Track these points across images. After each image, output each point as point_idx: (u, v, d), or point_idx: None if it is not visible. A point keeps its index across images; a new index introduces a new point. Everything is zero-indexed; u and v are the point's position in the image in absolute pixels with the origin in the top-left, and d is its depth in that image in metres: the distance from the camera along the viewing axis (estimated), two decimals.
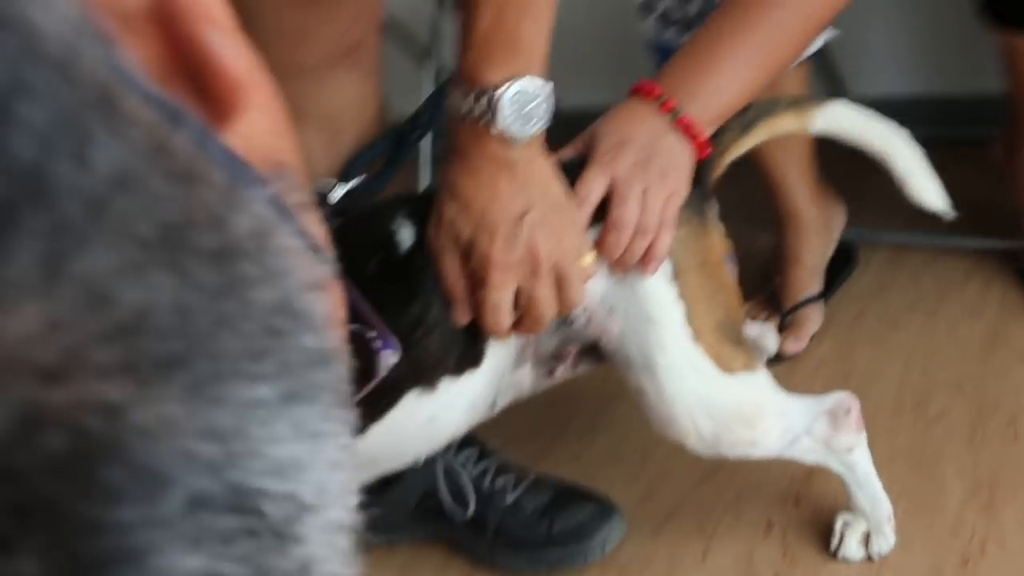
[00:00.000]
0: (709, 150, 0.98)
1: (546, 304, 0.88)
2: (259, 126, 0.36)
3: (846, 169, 1.99)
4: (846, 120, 1.04)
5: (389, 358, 0.46)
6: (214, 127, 0.29)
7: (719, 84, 0.97)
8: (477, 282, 0.87)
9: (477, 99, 0.82)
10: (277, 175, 0.36)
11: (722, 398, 0.96)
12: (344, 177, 1.03)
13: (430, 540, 1.19)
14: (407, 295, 0.89)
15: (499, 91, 0.81)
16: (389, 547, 1.20)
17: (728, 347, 0.96)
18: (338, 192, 1.01)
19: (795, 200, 1.48)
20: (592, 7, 2.26)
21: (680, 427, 0.97)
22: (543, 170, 0.87)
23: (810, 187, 1.49)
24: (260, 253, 0.23)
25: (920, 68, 2.14)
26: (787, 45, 0.98)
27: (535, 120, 0.83)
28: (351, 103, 1.02)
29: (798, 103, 1.06)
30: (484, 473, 1.14)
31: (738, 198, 1.99)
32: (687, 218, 0.96)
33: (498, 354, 0.93)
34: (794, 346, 1.45)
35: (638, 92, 0.97)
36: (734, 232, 1.88)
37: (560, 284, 0.88)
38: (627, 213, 0.90)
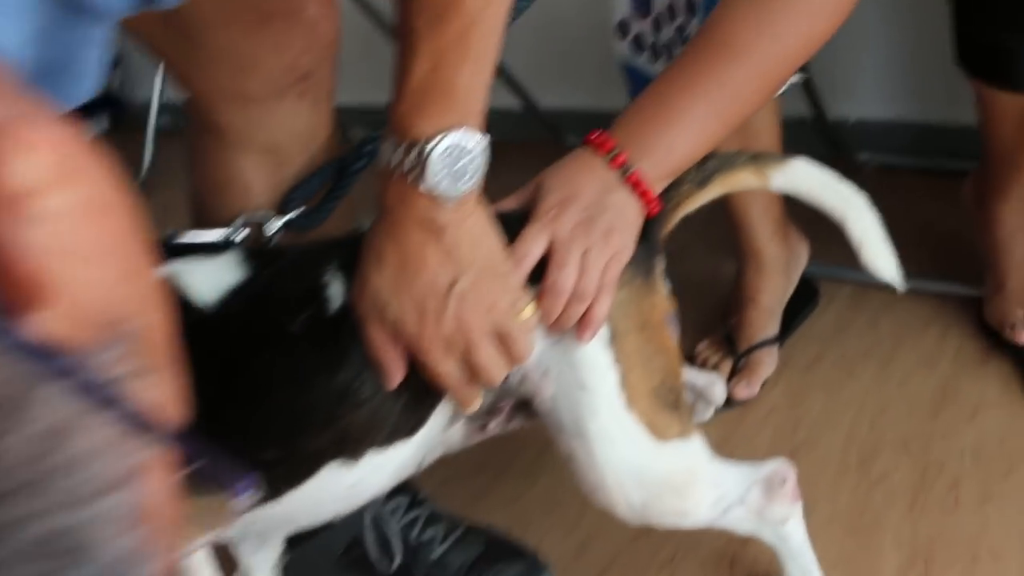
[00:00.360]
0: (659, 207, 0.95)
1: (492, 368, 0.85)
2: (98, 280, 0.33)
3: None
4: (807, 179, 1.01)
5: (245, 501, 0.43)
6: (15, 317, 0.26)
7: (673, 139, 0.94)
8: (416, 362, 0.84)
9: (407, 152, 0.78)
10: (107, 344, 0.33)
11: (654, 467, 0.94)
12: (282, 209, 1.00)
13: None
14: (334, 363, 0.85)
15: (430, 144, 0.77)
16: None
17: (663, 413, 0.94)
18: (274, 225, 0.98)
19: (757, 238, 1.45)
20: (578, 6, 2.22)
21: (609, 495, 0.94)
22: (474, 231, 0.83)
23: (773, 224, 1.46)
24: (40, 479, 0.22)
25: (902, 94, 2.11)
26: (747, 99, 0.95)
27: (467, 176, 0.79)
28: (298, 133, 0.98)
29: (758, 158, 1.02)
30: (413, 523, 1.12)
31: (704, 222, 1.98)
32: (630, 278, 0.93)
33: (436, 420, 0.91)
34: (745, 391, 1.43)
35: (589, 143, 0.94)
36: (698, 260, 1.90)
37: (504, 343, 0.84)
38: (564, 278, 0.88)
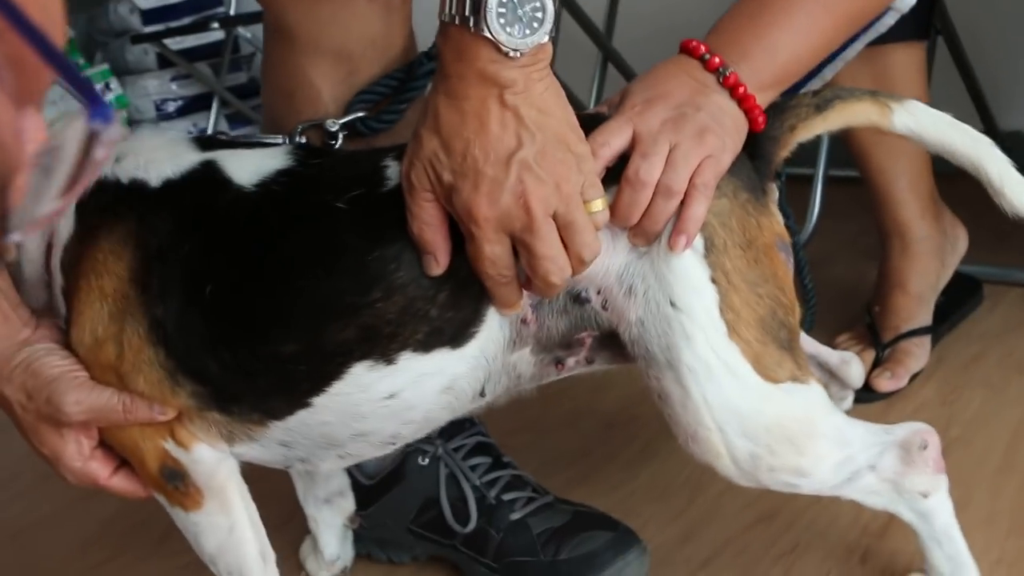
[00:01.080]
0: (764, 118, 0.82)
1: (551, 262, 0.73)
2: None
3: (974, 191, 1.79)
4: (931, 119, 0.85)
5: (103, 132, 0.34)
6: None
7: (775, 40, 0.81)
8: (465, 234, 0.74)
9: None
10: None
11: (762, 411, 0.79)
12: (345, 113, 0.93)
13: (432, 560, 1.05)
14: (370, 240, 0.76)
15: None
16: (390, 566, 1.07)
17: (772, 349, 0.79)
18: (334, 127, 0.90)
19: (903, 213, 1.28)
20: None
21: (709, 443, 0.80)
22: (545, 96, 0.72)
23: (922, 200, 1.29)
24: None
25: None
26: None
27: (534, 25, 0.69)
28: (370, 40, 0.91)
29: (879, 93, 0.87)
30: (492, 484, 1.00)
31: (854, 232, 1.82)
32: (733, 191, 0.80)
33: (489, 333, 0.79)
34: (890, 383, 1.24)
35: (682, 50, 0.82)
36: (844, 266, 1.73)
37: (565, 234, 0.73)
38: (648, 167, 0.75)
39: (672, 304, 0.77)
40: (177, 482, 0.82)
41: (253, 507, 0.86)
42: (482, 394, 0.82)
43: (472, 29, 0.68)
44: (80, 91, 0.34)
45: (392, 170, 0.78)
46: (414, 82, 0.89)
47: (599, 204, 0.74)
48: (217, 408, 0.79)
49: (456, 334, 0.78)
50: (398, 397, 0.79)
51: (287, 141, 0.88)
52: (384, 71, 0.93)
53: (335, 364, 0.77)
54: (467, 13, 0.68)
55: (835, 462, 0.82)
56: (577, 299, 0.80)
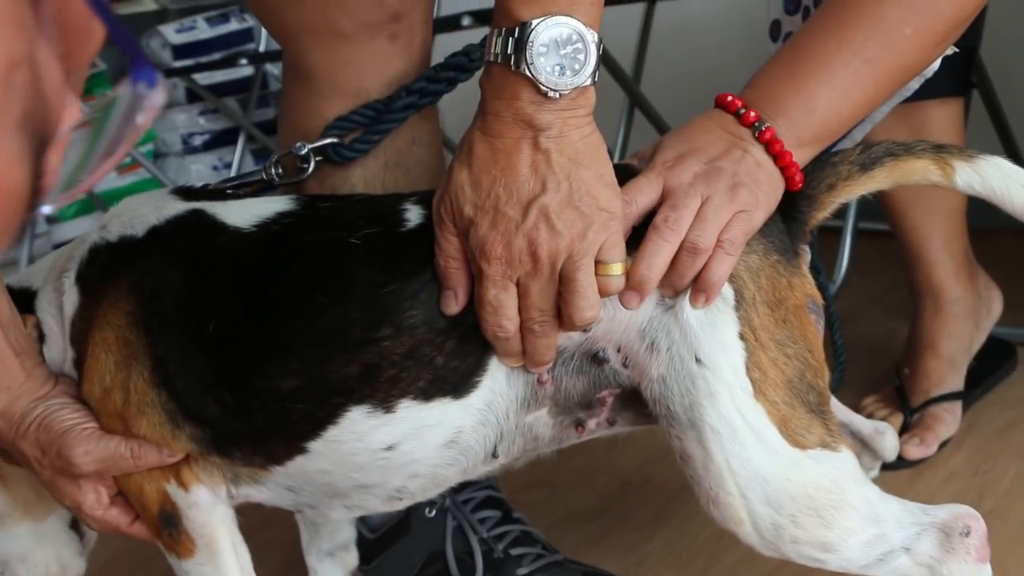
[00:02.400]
0: (801, 177, 0.78)
1: (540, 313, 0.71)
2: None
3: (1009, 249, 1.75)
4: (1005, 177, 0.79)
5: (151, 98, 0.33)
6: None
7: (813, 95, 0.78)
8: (475, 274, 0.73)
9: (509, 35, 0.69)
10: None
11: (787, 479, 0.75)
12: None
13: None
14: (384, 274, 0.75)
15: (534, 22, 0.68)
16: None
17: (801, 413, 0.75)
18: (303, 150, 0.88)
19: (936, 273, 1.24)
20: None
21: (730, 510, 0.76)
22: (580, 144, 0.70)
23: (957, 259, 1.25)
24: None
25: None
26: (900, 47, 0.79)
27: (575, 67, 0.69)
28: (388, 80, 0.90)
29: (942, 148, 0.83)
30: (501, 538, 0.97)
31: (884, 289, 1.78)
32: (765, 250, 0.77)
33: (496, 387, 0.77)
34: (918, 451, 1.20)
35: (717, 104, 0.80)
36: (873, 323, 1.68)
37: (564, 291, 0.71)
38: (676, 219, 0.73)
39: (697, 360, 0.74)
40: (172, 528, 0.81)
41: (247, 559, 0.84)
42: (495, 455, 0.80)
43: (513, 68, 0.68)
44: (127, 51, 0.33)
45: (412, 213, 0.77)
46: (391, 114, 0.88)
47: (617, 268, 0.72)
48: (217, 451, 0.78)
49: (459, 384, 0.75)
50: (397, 449, 0.76)
51: (264, 173, 0.88)
52: None
53: (333, 405, 0.75)
54: (510, 51, 0.68)
55: (865, 540, 0.77)
56: (595, 358, 0.77)
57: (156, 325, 0.76)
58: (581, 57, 0.68)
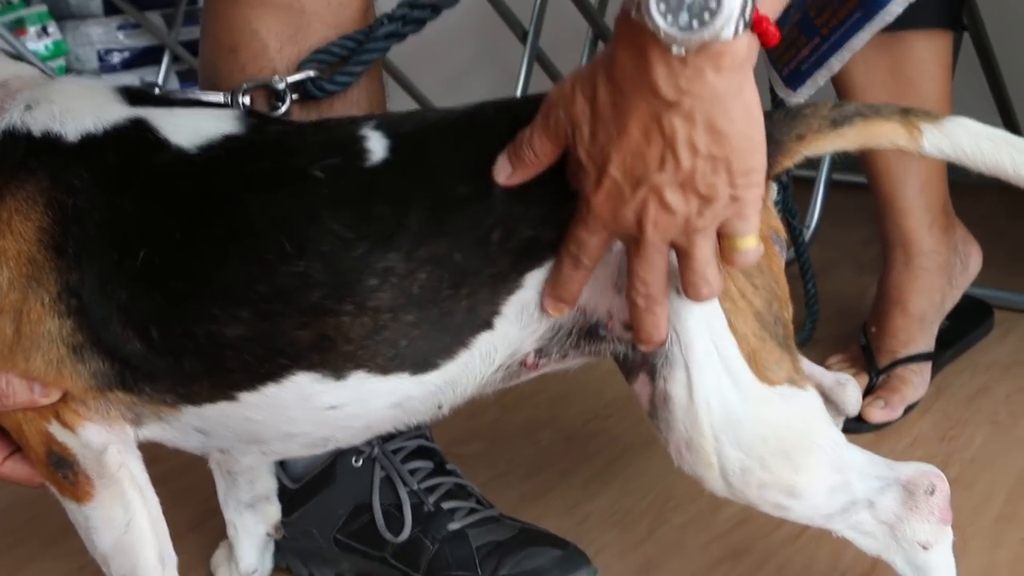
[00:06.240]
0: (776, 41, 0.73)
1: (647, 287, 0.70)
2: None
3: (992, 205, 1.74)
4: (974, 138, 0.76)
5: None
6: None
7: None
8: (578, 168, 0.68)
9: None
10: None
11: (757, 417, 0.74)
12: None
13: None
14: (350, 233, 0.70)
15: None
16: None
17: (771, 347, 0.74)
18: (280, 84, 0.85)
19: (908, 221, 1.22)
20: None
21: (701, 453, 0.75)
22: (721, 109, 0.62)
23: (933, 209, 1.23)
24: None
25: None
26: None
27: (704, 17, 0.58)
28: None
29: (908, 110, 0.80)
30: (432, 490, 0.93)
31: (859, 242, 1.76)
32: None
33: (469, 369, 0.75)
34: (882, 413, 1.18)
35: None
36: (845, 279, 1.66)
37: (682, 264, 0.69)
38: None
39: (677, 291, 0.71)
40: (66, 470, 0.76)
41: (155, 503, 0.80)
42: (439, 407, 0.77)
43: (635, 12, 0.60)
44: None
45: (374, 142, 0.73)
46: (372, 43, 0.84)
47: (753, 240, 0.68)
48: (122, 387, 0.73)
49: (422, 363, 0.73)
50: (340, 410, 0.73)
51: (230, 101, 0.82)
52: (339, 32, 0.87)
53: (278, 365, 0.71)
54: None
55: (830, 485, 0.76)
56: (593, 334, 0.75)
57: (72, 250, 0.71)
58: (713, 4, 0.58)
